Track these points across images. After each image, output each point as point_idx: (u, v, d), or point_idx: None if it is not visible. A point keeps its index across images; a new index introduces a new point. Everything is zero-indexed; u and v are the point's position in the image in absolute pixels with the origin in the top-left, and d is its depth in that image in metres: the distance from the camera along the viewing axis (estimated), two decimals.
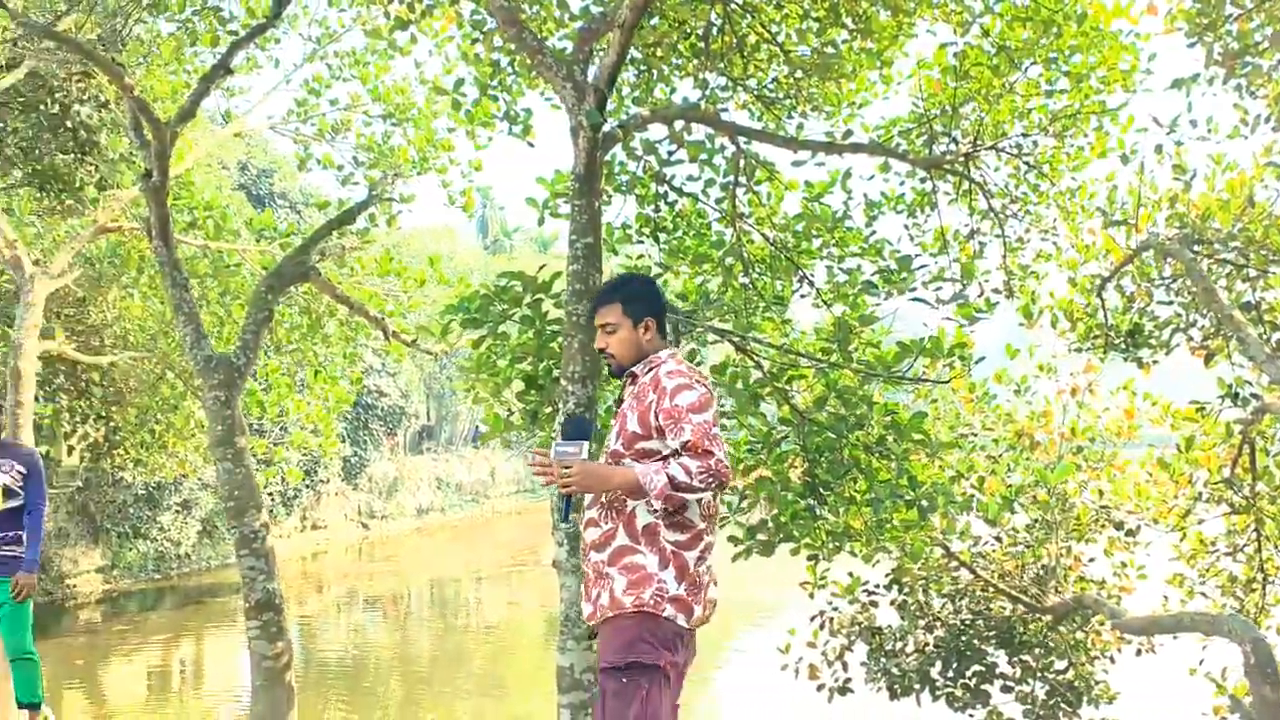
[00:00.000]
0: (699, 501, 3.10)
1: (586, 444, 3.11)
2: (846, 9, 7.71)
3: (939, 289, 7.12)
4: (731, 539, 7.16)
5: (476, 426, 40.28)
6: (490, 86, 8.56)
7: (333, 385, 11.89)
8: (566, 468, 3.03)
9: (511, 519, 39.34)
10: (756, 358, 7.10)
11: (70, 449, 16.78)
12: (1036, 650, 7.51)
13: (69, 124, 11.01)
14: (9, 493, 5.51)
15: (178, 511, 27.29)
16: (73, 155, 11.41)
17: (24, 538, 5.56)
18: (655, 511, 3.04)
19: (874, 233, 7.90)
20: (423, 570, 30.68)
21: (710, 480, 2.95)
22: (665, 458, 3.03)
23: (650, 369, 3.19)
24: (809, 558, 7.48)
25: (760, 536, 7.12)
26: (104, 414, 13.19)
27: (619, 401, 3.33)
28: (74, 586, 23.55)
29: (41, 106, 10.86)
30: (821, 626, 8.21)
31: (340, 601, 26.11)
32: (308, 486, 30.27)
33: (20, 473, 5.55)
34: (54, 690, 11.49)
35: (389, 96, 11.06)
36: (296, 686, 7.29)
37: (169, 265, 7.16)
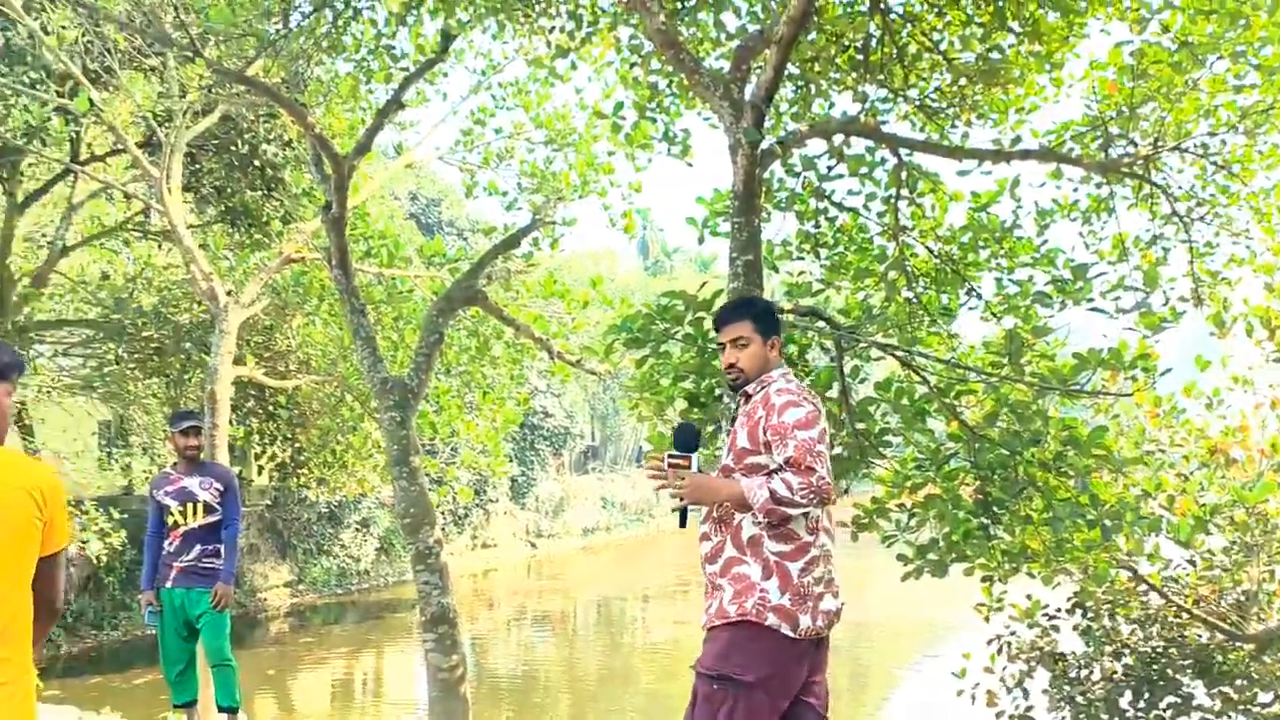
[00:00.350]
0: (805, 514, 3.15)
1: (696, 455, 3.20)
2: (1012, 12, 7.46)
3: (1118, 298, 6.79)
4: (901, 558, 6.99)
5: (640, 446, 40.62)
6: (649, 109, 8.68)
7: (500, 406, 12.23)
8: (680, 478, 3.14)
9: (676, 538, 39.37)
10: (923, 373, 6.92)
11: (260, 469, 17.79)
12: (1238, 681, 7.02)
13: (256, 163, 11.75)
14: (209, 509, 5.86)
15: (357, 529, 28.53)
16: (260, 192, 12.16)
17: (222, 551, 5.91)
18: (759, 523, 3.12)
19: (1045, 242, 7.61)
20: (590, 589, 31.07)
21: (811, 496, 3.01)
22: (770, 472, 3.11)
23: (762, 387, 3.26)
24: (983, 579, 7.23)
25: (931, 556, 6.92)
26: (289, 435, 13.94)
27: (732, 419, 3.38)
28: (265, 600, 24.86)
29: (232, 148, 11.62)
30: (999, 651, 7.92)
31: (510, 618, 26.68)
32: (477, 505, 31.13)
33: (219, 490, 5.90)
34: (247, 697, 12.15)
35: (550, 123, 11.34)
36: (470, 699, 7.47)
37: (348, 292, 7.51)
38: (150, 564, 5.92)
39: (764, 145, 5.93)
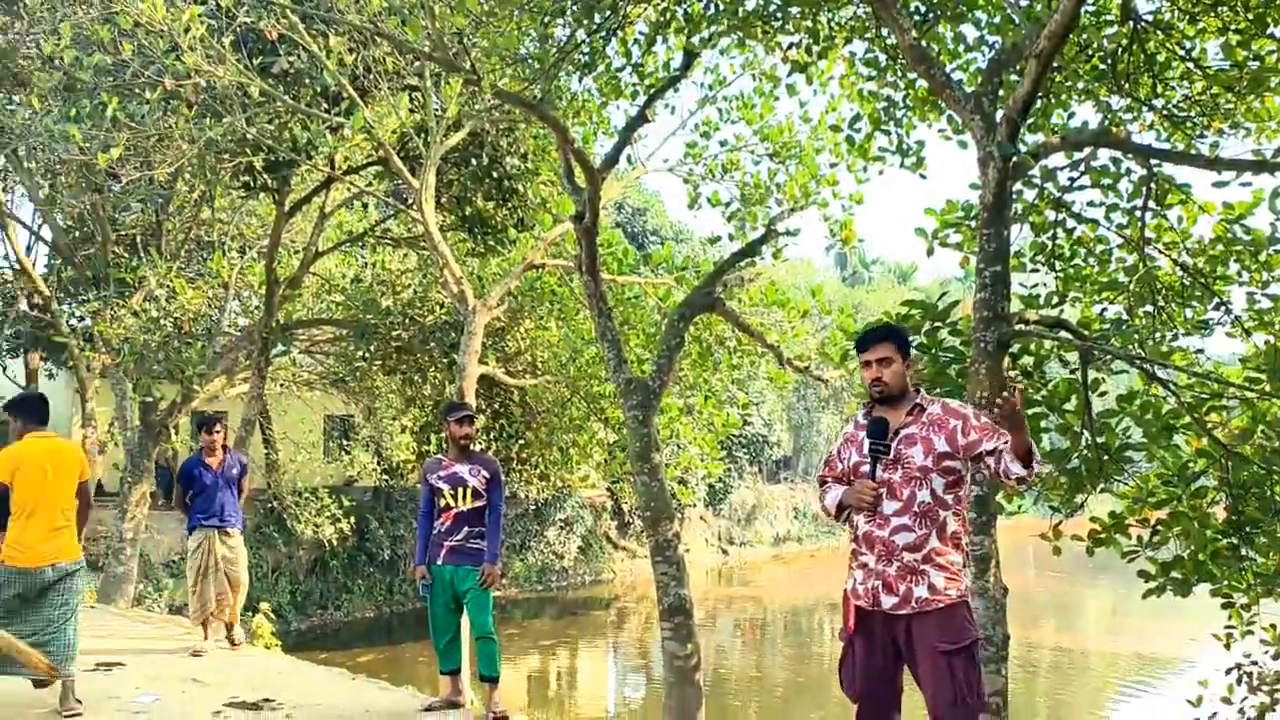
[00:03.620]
0: None
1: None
2: (1274, 18, 7.23)
3: None
4: (1142, 574, 6.88)
5: None
6: (882, 121, 8.81)
7: (720, 411, 12.56)
8: (885, 451, 3.69)
9: None
10: (1171, 387, 6.80)
11: None
12: None
13: (494, 174, 12.48)
14: (476, 494, 6.33)
15: (561, 528, 29.52)
16: (494, 202, 12.90)
17: (486, 534, 6.37)
18: (959, 518, 3.71)
19: None
20: (780, 597, 31.08)
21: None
22: (960, 478, 3.69)
23: (933, 403, 3.78)
24: (1223, 604, 7.02)
25: (1175, 574, 6.79)
26: (516, 433, 14.69)
27: (893, 432, 3.72)
28: None
29: (473, 161, 12.39)
30: (1239, 681, 7.63)
31: (701, 623, 26.92)
32: (676, 510, 31.62)
33: (485, 477, 6.35)
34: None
35: (775, 135, 11.58)
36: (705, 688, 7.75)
37: (596, 296, 7.95)
38: (422, 541, 6.38)
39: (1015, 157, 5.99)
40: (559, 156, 8.52)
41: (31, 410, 6.04)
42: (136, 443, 13.65)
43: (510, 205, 12.72)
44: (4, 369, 21.63)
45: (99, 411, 14.96)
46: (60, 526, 5.86)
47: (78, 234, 14.63)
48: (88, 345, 14.00)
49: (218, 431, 8.03)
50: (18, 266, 15.40)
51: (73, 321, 15.62)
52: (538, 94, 6.82)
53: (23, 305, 17.34)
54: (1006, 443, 3.53)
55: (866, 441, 3.73)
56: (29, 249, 17.32)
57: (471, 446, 6.48)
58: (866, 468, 3.72)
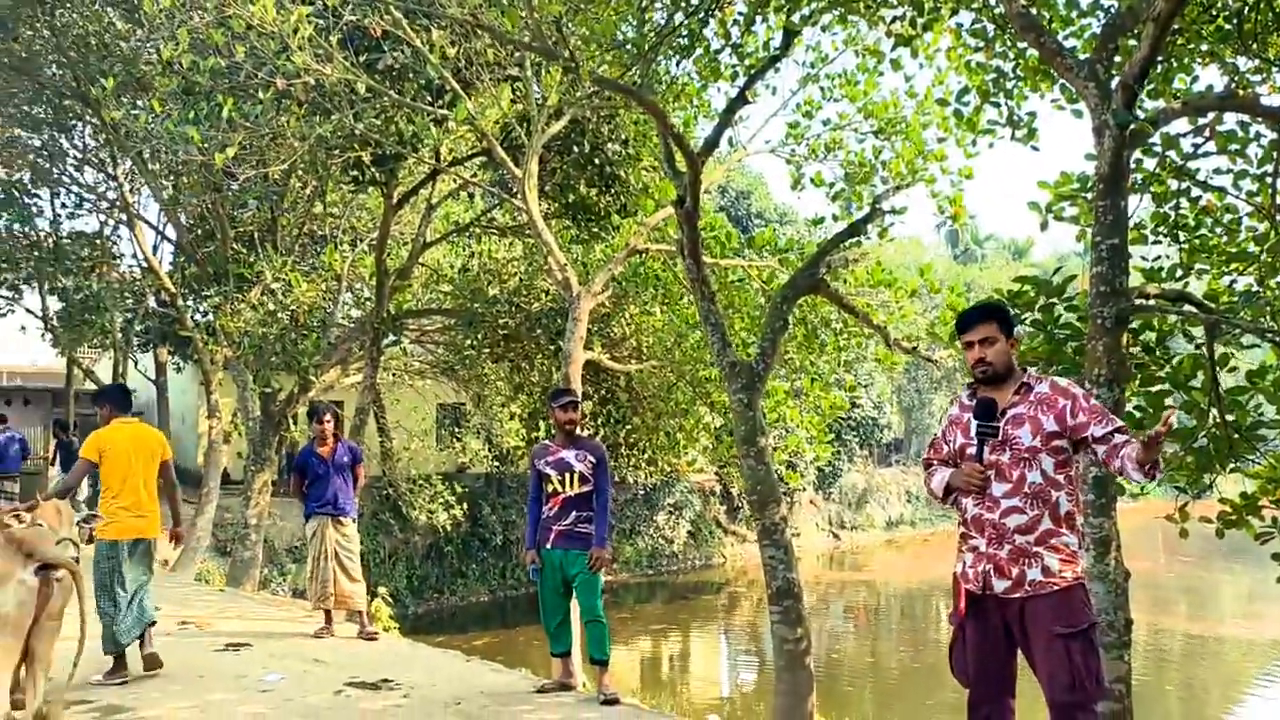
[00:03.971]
0: None
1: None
2: None
3: None
4: (1276, 557, 6.59)
5: None
6: (991, 93, 8.56)
7: (827, 393, 12.42)
8: (993, 431, 3.62)
9: None
10: None
11: None
12: None
13: (596, 161, 12.53)
14: (583, 479, 6.37)
15: (670, 513, 29.61)
16: (596, 189, 12.96)
17: (593, 518, 6.40)
18: (1072, 498, 3.60)
19: None
20: (894, 582, 30.64)
21: None
22: (1070, 457, 3.60)
23: (1041, 381, 3.70)
24: None
25: None
26: (622, 418, 14.76)
27: (1000, 412, 3.65)
28: None
29: (575, 148, 12.46)
30: None
31: (813, 608, 26.77)
32: (784, 493, 31.47)
33: (592, 462, 6.38)
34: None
35: (880, 111, 11.35)
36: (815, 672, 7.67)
37: (699, 281, 7.92)
38: (532, 526, 6.45)
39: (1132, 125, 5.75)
40: (660, 141, 8.51)
41: (116, 399, 6.71)
42: (258, 432, 14.14)
43: (612, 191, 12.76)
44: (136, 363, 22.68)
45: (223, 402, 15.54)
46: (143, 504, 6.48)
47: (199, 232, 15.22)
48: (210, 339, 14.56)
49: (327, 421, 8.22)
50: (146, 265, 16.10)
51: (197, 316, 16.26)
52: (636, 79, 6.81)
53: (151, 302, 18.12)
54: (1120, 431, 3.48)
55: (973, 423, 3.66)
56: (155, 248, 18.10)
57: (577, 432, 6.52)
58: (973, 450, 3.66)
